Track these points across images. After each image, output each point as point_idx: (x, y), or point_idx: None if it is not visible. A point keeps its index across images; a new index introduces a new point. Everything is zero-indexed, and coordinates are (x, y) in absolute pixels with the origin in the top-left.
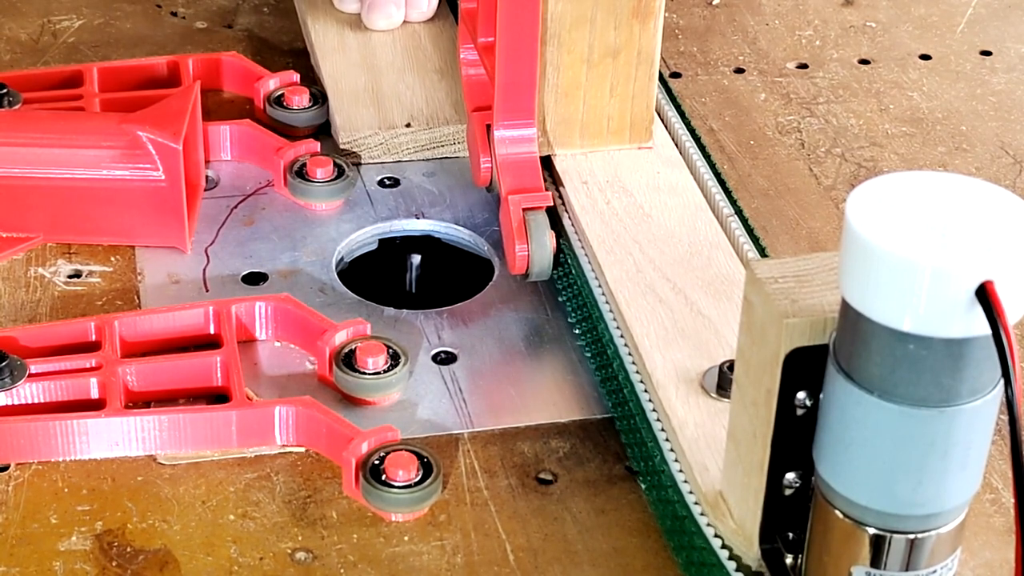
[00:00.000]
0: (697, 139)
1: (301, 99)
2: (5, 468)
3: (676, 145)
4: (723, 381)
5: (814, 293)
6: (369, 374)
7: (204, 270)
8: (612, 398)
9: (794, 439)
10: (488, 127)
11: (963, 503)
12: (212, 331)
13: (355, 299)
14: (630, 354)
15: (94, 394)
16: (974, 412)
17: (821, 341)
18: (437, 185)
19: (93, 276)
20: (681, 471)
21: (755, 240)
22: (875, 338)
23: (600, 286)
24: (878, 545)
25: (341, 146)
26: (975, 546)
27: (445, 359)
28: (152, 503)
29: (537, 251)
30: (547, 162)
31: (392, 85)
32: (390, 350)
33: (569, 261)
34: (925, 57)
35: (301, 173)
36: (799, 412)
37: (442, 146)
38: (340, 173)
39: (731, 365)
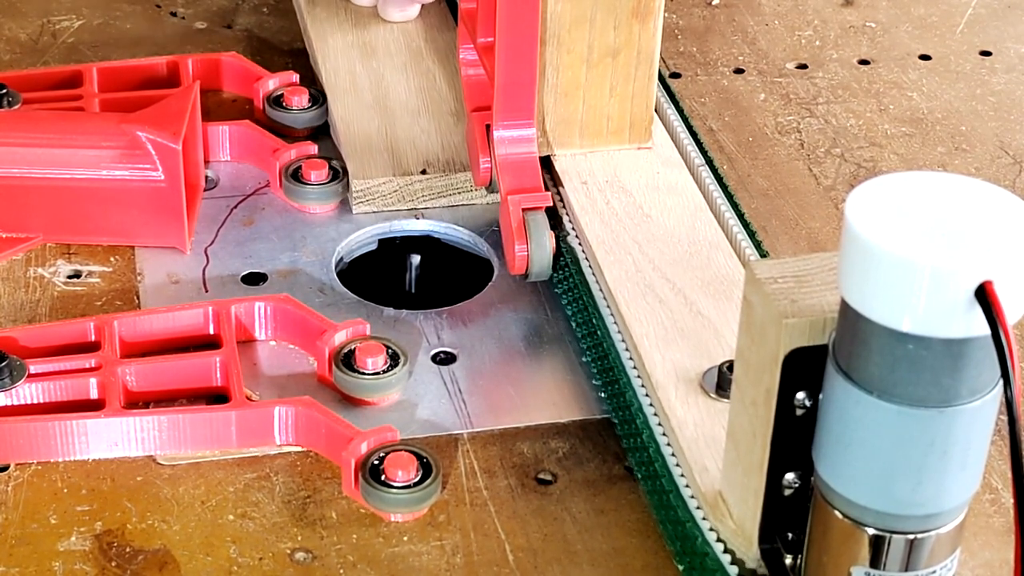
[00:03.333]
0: (697, 139)
1: (300, 99)
2: (5, 468)
3: (676, 145)
4: (723, 381)
5: (813, 293)
6: (368, 374)
7: (204, 270)
8: (610, 394)
9: (793, 439)
10: (488, 127)
11: (962, 503)
12: (212, 331)
13: (355, 299)
14: (629, 354)
15: (93, 394)
16: (973, 412)
17: (820, 341)
18: None
19: (93, 276)
20: (681, 471)
21: (755, 240)
22: (874, 338)
23: (599, 286)
24: (877, 545)
25: (354, 195)
26: (975, 546)
27: (445, 359)
28: (151, 503)
29: (537, 251)
30: (547, 162)
31: (406, 129)
32: (389, 350)
33: (568, 261)
34: (925, 57)
35: (296, 176)
36: (798, 412)
37: (459, 192)
38: (335, 176)
39: (731, 365)
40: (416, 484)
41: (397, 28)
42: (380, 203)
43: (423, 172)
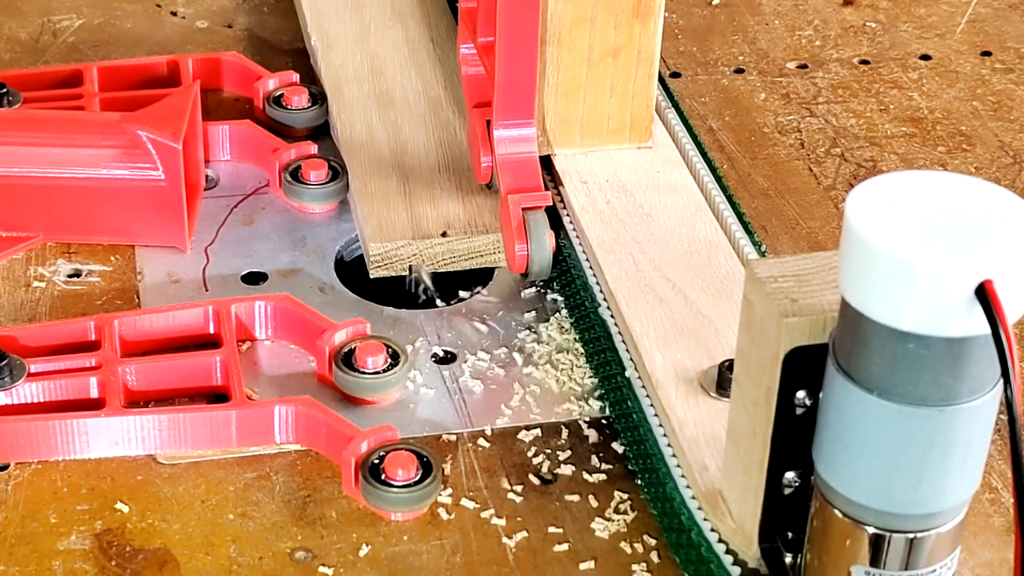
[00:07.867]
0: (697, 139)
1: (300, 99)
2: (5, 467)
3: (676, 145)
4: (723, 380)
5: (814, 292)
6: (369, 373)
7: (204, 270)
8: (611, 397)
9: (793, 438)
10: (488, 123)
11: (962, 502)
12: (212, 331)
13: (355, 298)
14: (630, 353)
15: (94, 393)
16: (973, 411)
17: (821, 340)
18: None
19: (93, 276)
20: (681, 470)
21: (754, 240)
22: (875, 337)
23: (599, 285)
24: (877, 544)
25: (371, 259)
26: (975, 546)
27: (445, 359)
28: (151, 502)
29: (537, 251)
30: (547, 161)
31: (426, 187)
32: (389, 349)
33: (569, 260)
34: (925, 57)
35: (296, 176)
36: (798, 411)
37: (481, 256)
38: (334, 176)
39: (731, 364)
40: (416, 483)
41: (415, 75)
42: (398, 267)
43: (443, 235)
